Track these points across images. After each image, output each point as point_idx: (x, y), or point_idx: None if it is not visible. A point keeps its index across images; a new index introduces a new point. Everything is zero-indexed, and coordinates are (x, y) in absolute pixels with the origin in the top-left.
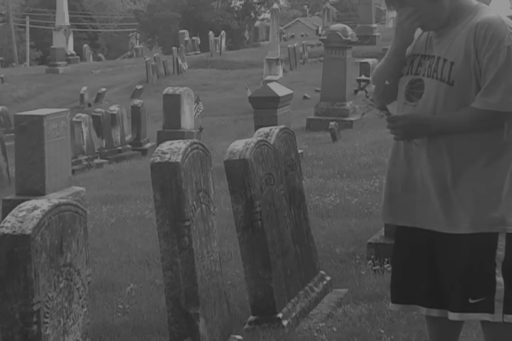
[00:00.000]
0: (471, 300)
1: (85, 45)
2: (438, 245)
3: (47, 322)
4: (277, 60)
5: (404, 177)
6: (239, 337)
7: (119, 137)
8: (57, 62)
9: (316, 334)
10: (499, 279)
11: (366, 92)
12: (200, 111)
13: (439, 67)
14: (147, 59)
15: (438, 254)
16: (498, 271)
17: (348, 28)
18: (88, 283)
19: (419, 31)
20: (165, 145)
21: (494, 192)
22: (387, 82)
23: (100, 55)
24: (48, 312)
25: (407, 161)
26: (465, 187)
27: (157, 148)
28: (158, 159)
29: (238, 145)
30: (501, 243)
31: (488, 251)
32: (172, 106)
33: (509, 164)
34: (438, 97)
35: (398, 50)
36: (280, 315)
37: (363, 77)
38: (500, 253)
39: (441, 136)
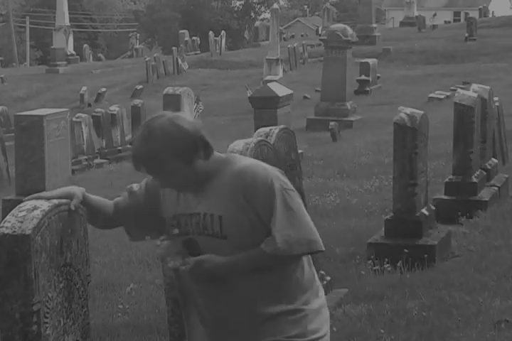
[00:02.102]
0: None
1: (85, 45)
2: None
3: (47, 322)
4: (277, 60)
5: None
6: None
7: (119, 137)
8: (57, 62)
9: None
10: None
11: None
12: (200, 111)
13: (207, 222)
14: (147, 59)
15: None
16: None
17: (348, 28)
18: (88, 283)
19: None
20: None
21: None
22: (176, 231)
23: (100, 55)
24: (47, 312)
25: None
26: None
27: None
28: None
29: (238, 145)
30: None
31: None
32: (172, 106)
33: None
34: (217, 253)
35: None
36: None
37: (363, 77)
38: None
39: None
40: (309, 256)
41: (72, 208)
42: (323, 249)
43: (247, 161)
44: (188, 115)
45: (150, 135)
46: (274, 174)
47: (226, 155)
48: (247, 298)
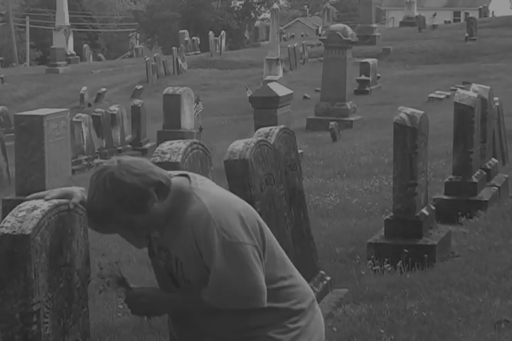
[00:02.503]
0: None
1: (85, 45)
2: None
3: (47, 322)
4: (277, 60)
5: None
6: None
7: (119, 137)
8: (57, 62)
9: None
10: None
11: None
12: (200, 110)
13: (172, 265)
14: (147, 59)
15: None
16: None
17: (348, 28)
18: (88, 283)
19: None
20: (165, 145)
21: None
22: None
23: (100, 55)
24: (47, 312)
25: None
26: None
27: (157, 148)
28: (158, 159)
29: (238, 145)
30: None
31: None
32: (172, 106)
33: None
34: (187, 291)
35: None
36: None
37: (363, 77)
38: None
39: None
40: (292, 267)
41: (71, 207)
42: (265, 305)
43: (199, 205)
44: (135, 159)
45: (95, 195)
46: (220, 223)
47: (189, 189)
48: (214, 337)
